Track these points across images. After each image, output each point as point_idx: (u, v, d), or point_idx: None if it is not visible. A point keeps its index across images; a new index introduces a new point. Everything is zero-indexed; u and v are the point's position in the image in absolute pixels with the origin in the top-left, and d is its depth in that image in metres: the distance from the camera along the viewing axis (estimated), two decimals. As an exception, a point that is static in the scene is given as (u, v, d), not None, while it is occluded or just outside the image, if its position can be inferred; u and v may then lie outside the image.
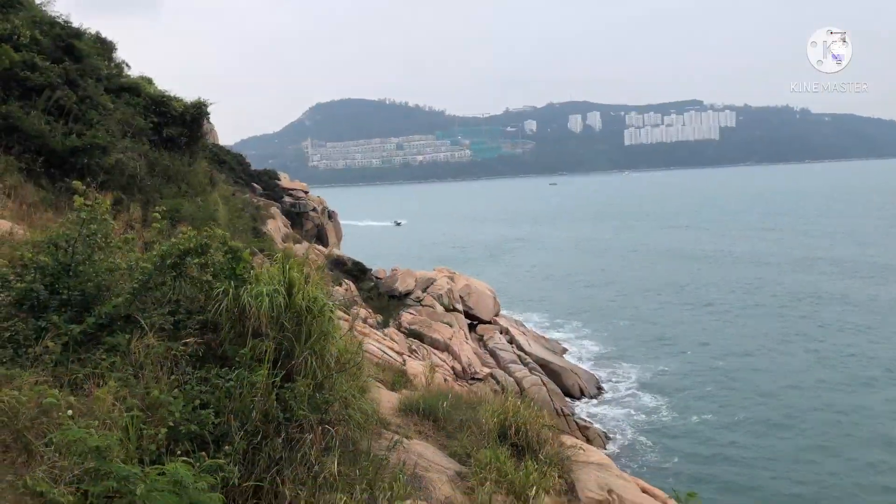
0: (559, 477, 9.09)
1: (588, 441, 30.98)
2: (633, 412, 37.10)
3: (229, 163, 46.26)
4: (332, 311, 7.28)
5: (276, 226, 40.51)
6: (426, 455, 8.36)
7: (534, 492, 7.63)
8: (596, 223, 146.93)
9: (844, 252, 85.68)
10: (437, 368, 26.35)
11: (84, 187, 7.87)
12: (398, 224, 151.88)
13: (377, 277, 44.40)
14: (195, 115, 22.58)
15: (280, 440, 6.22)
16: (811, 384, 39.51)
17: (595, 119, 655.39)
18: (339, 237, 56.55)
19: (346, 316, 20.66)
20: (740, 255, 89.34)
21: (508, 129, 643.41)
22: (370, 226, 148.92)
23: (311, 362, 6.72)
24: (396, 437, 7.72)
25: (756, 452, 31.35)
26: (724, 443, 32.63)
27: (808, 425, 33.86)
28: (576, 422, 33.83)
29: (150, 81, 24.10)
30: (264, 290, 6.75)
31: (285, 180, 55.18)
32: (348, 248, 61.27)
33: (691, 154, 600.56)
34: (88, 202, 7.56)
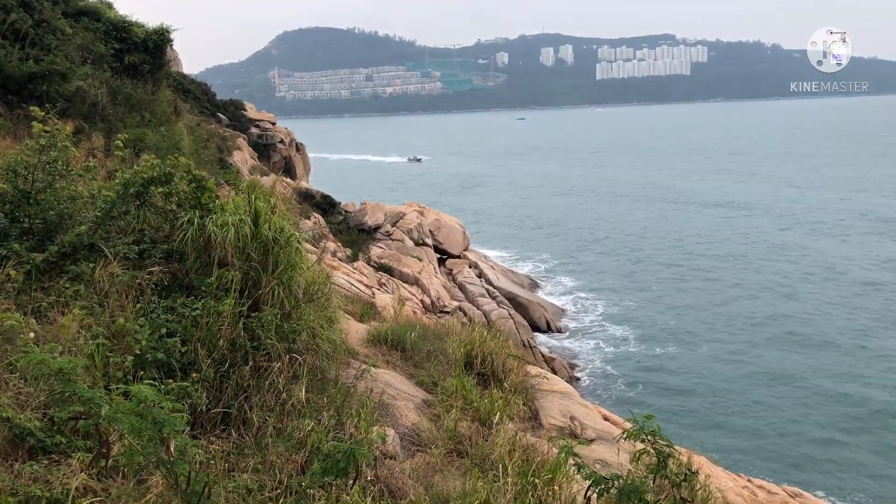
0: (523, 405, 9.33)
1: (553, 371, 31.67)
2: (599, 344, 37.94)
3: (194, 92, 45.13)
4: (299, 242, 7.27)
5: (243, 157, 39.88)
6: (394, 384, 8.50)
7: (498, 418, 7.82)
8: (562, 159, 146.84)
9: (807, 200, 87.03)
10: (406, 301, 26.56)
11: (43, 114, 7.66)
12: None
13: (346, 211, 44.20)
14: (158, 42, 21.85)
15: (248, 368, 6.28)
16: (771, 319, 40.61)
17: (567, 53, 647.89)
18: (307, 170, 55.91)
19: (314, 249, 20.62)
20: (706, 196, 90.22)
21: (480, 61, 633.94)
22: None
23: (279, 292, 6.74)
24: (364, 366, 7.82)
25: (716, 383, 32.40)
26: (686, 374, 33.61)
27: (767, 359, 34.93)
28: (541, 353, 34.52)
29: (109, 6, 23.19)
30: (230, 219, 6.70)
31: (252, 111, 54.09)
32: (319, 182, 60.75)
33: (662, 89, 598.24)
34: (48, 129, 7.38)
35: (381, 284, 31.97)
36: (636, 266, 53.75)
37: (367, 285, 26.82)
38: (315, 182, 56.55)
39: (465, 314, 35.35)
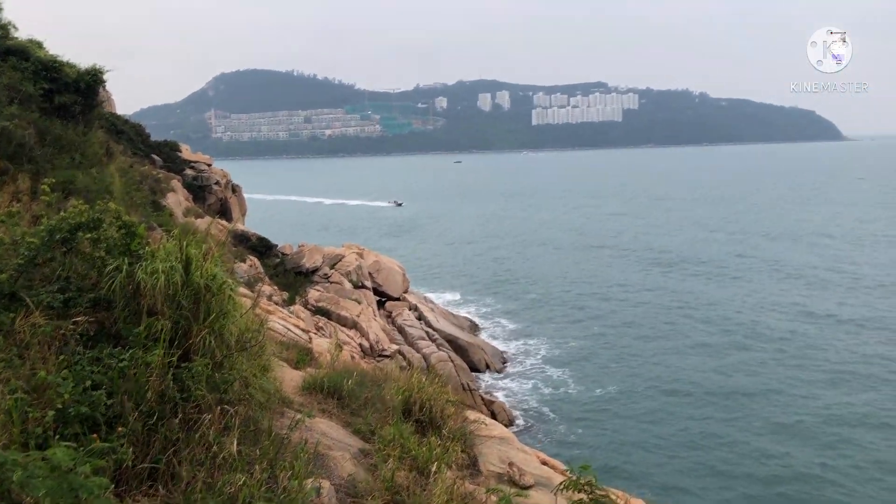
0: (462, 451, 9.25)
1: (493, 415, 31.59)
2: (539, 385, 38.09)
3: (128, 133, 44.24)
4: (232, 289, 7.12)
5: (177, 199, 39.15)
6: (330, 433, 8.34)
7: (436, 466, 7.73)
8: (501, 202, 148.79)
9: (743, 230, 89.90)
10: (343, 346, 26.21)
11: (-37, 156, 7.40)
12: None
13: (283, 253, 43.65)
14: (90, 82, 21.45)
15: (177, 421, 6.07)
16: (709, 359, 41.43)
17: (504, 98, 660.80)
18: (243, 212, 55.16)
19: (250, 293, 20.27)
20: (643, 234, 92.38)
21: (419, 105, 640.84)
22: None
23: (210, 341, 6.57)
24: (299, 415, 7.64)
25: (654, 423, 32.77)
26: (624, 415, 33.93)
27: (705, 396, 35.55)
28: (481, 396, 34.43)
29: (39, 45, 22.70)
30: (160, 266, 6.53)
31: (187, 152, 53.29)
32: (256, 224, 60.03)
33: (596, 135, 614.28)
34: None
35: (318, 328, 31.56)
36: (577, 308, 54.43)
37: (303, 330, 26.39)
38: (252, 224, 55.86)
39: (405, 357, 35.12)
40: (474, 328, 49.22)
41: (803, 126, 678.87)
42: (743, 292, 56.78)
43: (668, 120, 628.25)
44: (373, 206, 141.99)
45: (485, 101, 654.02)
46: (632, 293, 58.30)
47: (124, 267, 6.72)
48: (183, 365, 6.36)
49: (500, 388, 38.04)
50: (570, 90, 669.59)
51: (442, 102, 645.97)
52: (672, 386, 37.19)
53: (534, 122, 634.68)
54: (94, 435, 5.35)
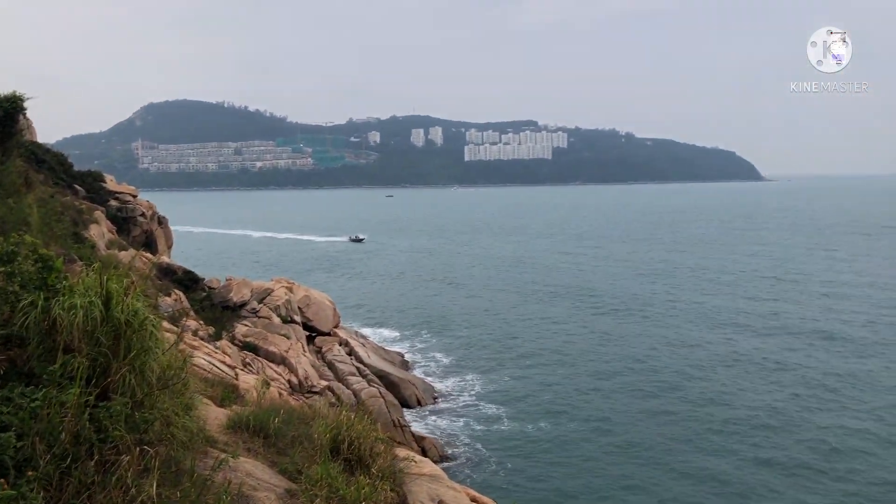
0: (391, 490, 9.11)
1: (423, 452, 31.33)
2: (471, 421, 37.98)
3: (49, 162, 42.80)
4: (154, 325, 6.91)
5: (100, 231, 37.97)
6: (255, 473, 8.10)
7: (364, 506, 7.59)
8: (433, 235, 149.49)
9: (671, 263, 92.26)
10: (271, 382, 25.69)
11: None
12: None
13: (210, 287, 42.66)
14: (9, 110, 20.78)
15: (92, 463, 5.81)
16: (636, 392, 42.14)
17: (437, 134, 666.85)
18: (169, 244, 53.85)
19: (174, 328, 19.71)
20: (573, 271, 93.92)
21: (352, 139, 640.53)
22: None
23: (130, 379, 6.34)
24: (223, 455, 7.42)
25: (587, 459, 33.00)
26: (557, 450, 34.09)
27: (635, 432, 36.02)
28: (412, 433, 34.13)
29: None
30: (78, 301, 6.29)
31: (112, 183, 51.83)
32: (182, 257, 58.64)
33: (527, 172, 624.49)
34: None
35: (245, 364, 30.87)
36: (511, 344, 54.69)
37: (230, 366, 25.77)
38: (178, 257, 54.52)
39: (335, 394, 34.62)
40: (406, 364, 48.94)
41: (724, 166, 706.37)
42: (668, 330, 58.16)
43: (596, 158, 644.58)
44: (319, 242, 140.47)
45: (418, 137, 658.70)
46: (563, 329, 59.04)
47: (40, 302, 6.46)
48: (101, 404, 6.11)
49: (432, 424, 37.80)
50: (501, 127, 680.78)
51: (375, 137, 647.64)
52: (603, 422, 37.62)
53: (466, 157, 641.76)
54: (2, 480, 5.09)
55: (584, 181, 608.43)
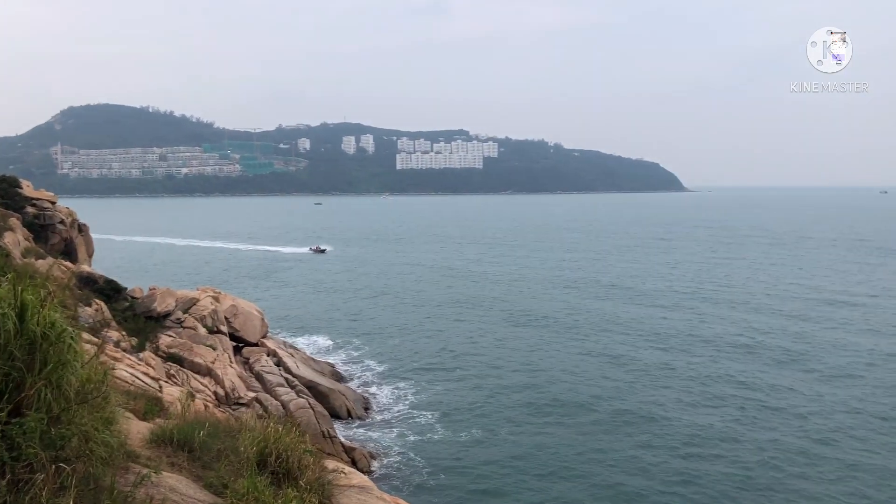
0: (319, 503, 9.01)
1: (353, 462, 31.10)
2: (403, 431, 37.83)
3: (-42, 166, 41.02)
4: (73, 337, 6.67)
5: (16, 239, 36.46)
6: (178, 488, 7.89)
7: (292, 520, 7.48)
8: (363, 244, 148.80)
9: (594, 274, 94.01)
10: (196, 394, 25.15)
11: None
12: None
13: (133, 297, 41.40)
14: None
15: (4, 482, 5.57)
16: (569, 400, 42.71)
17: (368, 142, 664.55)
18: (90, 253, 52.05)
19: (95, 340, 19.07)
20: (502, 279, 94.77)
21: (281, 145, 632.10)
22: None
23: (46, 394, 6.09)
24: (145, 471, 7.21)
25: (518, 467, 33.23)
26: (489, 458, 34.20)
27: (566, 438, 36.46)
28: (342, 443, 33.80)
29: None
30: (-10, 314, 6.02)
31: (29, 189, 49.82)
32: (104, 266, 56.76)
33: (458, 181, 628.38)
34: None
35: (169, 376, 30.06)
36: (443, 353, 54.74)
37: (153, 378, 25.08)
38: (100, 266, 52.74)
39: (262, 405, 34.03)
40: (337, 374, 48.48)
41: (648, 177, 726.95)
42: (593, 340, 59.27)
43: (526, 168, 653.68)
44: (262, 251, 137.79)
45: (349, 144, 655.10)
46: (494, 338, 59.45)
47: (-52, 315, 6.15)
48: (13, 421, 5.86)
49: (362, 434, 37.52)
50: (433, 136, 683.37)
51: (305, 144, 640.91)
52: (534, 429, 37.98)
53: (398, 166, 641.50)
54: None
55: (515, 191, 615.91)
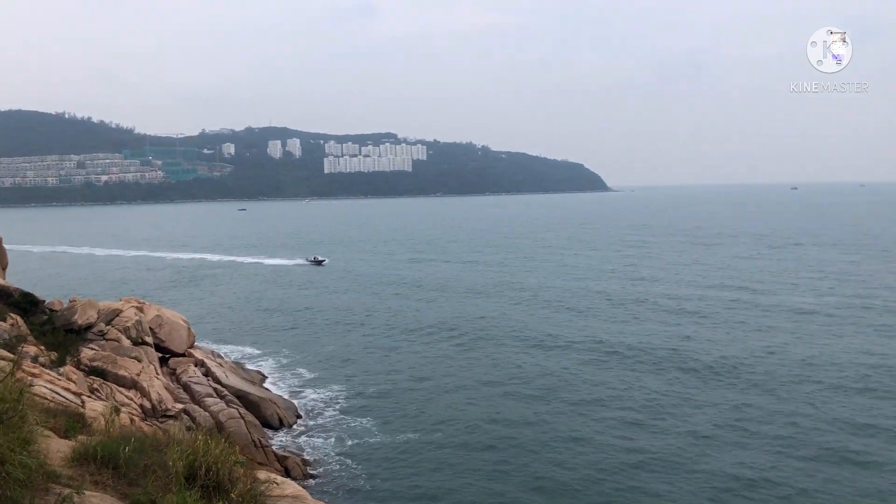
0: (252, 514, 8.86)
1: (286, 472, 30.68)
2: (336, 436, 37.50)
3: None
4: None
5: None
6: (103, 507, 7.64)
7: (224, 534, 7.33)
8: (287, 249, 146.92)
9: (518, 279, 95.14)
10: (121, 408, 24.39)
11: None
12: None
13: (52, 310, 39.85)
14: None
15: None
16: (503, 400, 43.06)
17: (295, 146, 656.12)
18: (4, 265, 49.85)
19: (10, 355, 18.29)
20: (433, 279, 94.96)
21: (205, 151, 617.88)
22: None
23: (-43, 416, 5.82)
24: (67, 491, 6.95)
25: (455, 468, 33.34)
26: (426, 461, 34.18)
27: (502, 439, 36.68)
28: (274, 453, 33.29)
29: None
30: None
31: (-66, 199, 47.55)
32: (19, 278, 54.41)
33: (388, 184, 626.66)
34: None
35: (92, 391, 29.07)
36: (374, 357, 54.51)
37: (75, 393, 24.20)
38: (15, 279, 50.55)
39: (191, 417, 33.23)
40: (266, 381, 47.71)
41: (573, 178, 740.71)
42: (525, 340, 59.99)
43: (455, 171, 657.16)
44: (188, 259, 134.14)
45: (275, 149, 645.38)
46: (425, 340, 59.52)
47: None
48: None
49: (295, 442, 37.03)
50: (361, 140, 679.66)
51: (230, 149, 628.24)
52: (469, 430, 38.14)
53: (326, 170, 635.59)
54: None
55: (444, 193, 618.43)
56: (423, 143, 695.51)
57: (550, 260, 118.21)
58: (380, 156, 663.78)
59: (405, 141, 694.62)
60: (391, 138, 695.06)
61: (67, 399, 21.68)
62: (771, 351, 51.88)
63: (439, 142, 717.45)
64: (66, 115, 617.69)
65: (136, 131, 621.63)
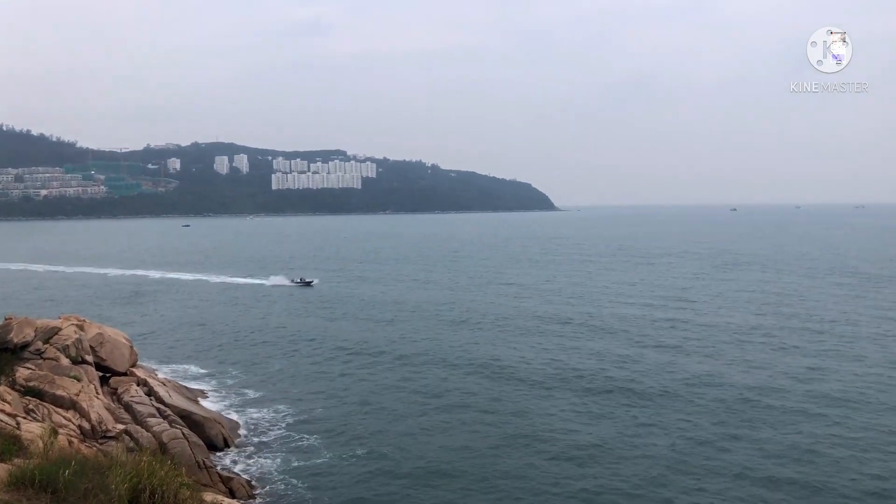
0: (198, 537, 8.66)
1: (232, 493, 30.13)
2: (283, 455, 36.92)
3: None
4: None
5: None
6: (42, 533, 7.39)
7: (169, 558, 7.16)
8: (230, 266, 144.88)
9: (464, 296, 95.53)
10: (59, 430, 23.69)
11: None
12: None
13: (-14, 328, 38.48)
14: None
15: None
16: (453, 416, 42.93)
17: (242, 162, 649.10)
18: (-65, 281, 48.09)
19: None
20: (380, 295, 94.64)
21: (150, 166, 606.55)
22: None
23: None
24: (4, 516, 6.71)
25: (405, 481, 33.14)
26: (374, 477, 33.86)
27: (451, 456, 36.49)
28: (219, 474, 32.64)
29: None
30: None
31: None
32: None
33: (336, 201, 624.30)
34: None
35: (28, 412, 28.13)
36: (323, 374, 53.80)
37: (9, 414, 23.40)
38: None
39: (133, 438, 32.36)
40: (212, 401, 46.78)
41: (522, 197, 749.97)
42: (476, 352, 60.18)
43: (405, 189, 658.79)
44: (129, 275, 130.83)
45: (222, 164, 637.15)
46: (372, 358, 59.12)
47: None
48: None
49: (241, 462, 36.31)
50: (310, 156, 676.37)
51: (175, 164, 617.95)
52: (418, 446, 37.93)
53: (274, 186, 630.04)
54: None
55: (393, 210, 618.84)
56: (372, 160, 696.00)
57: (496, 280, 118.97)
58: (329, 172, 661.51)
59: (355, 158, 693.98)
60: (340, 155, 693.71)
61: (2, 421, 20.97)
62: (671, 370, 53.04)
63: (389, 159, 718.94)
64: (4, 128, 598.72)
65: (79, 145, 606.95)
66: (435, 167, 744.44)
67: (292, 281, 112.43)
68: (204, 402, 45.54)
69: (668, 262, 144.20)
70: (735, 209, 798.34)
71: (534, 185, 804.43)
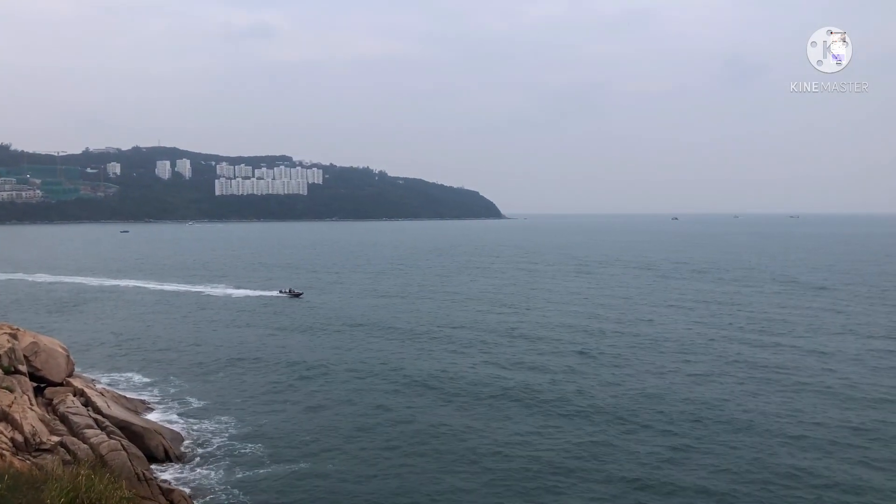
0: (139, 553, 8.41)
1: (173, 506, 29.36)
2: (227, 466, 36.18)
3: None
4: None
5: None
6: (-28, 551, 7.06)
7: (109, 575, 6.90)
8: (169, 274, 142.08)
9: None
10: (-9, 442, 22.82)
11: None
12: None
13: (-88, 337, 36.86)
14: None
15: None
16: (401, 426, 42.70)
17: (185, 167, 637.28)
18: None
19: None
20: (326, 304, 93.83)
21: (89, 170, 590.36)
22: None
23: None
24: (-69, 535, 6.37)
25: (350, 492, 32.77)
26: (315, 489, 33.41)
27: (397, 465, 36.32)
28: (159, 486, 31.79)
29: None
30: None
31: None
32: None
33: (282, 207, 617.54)
34: None
35: (-43, 424, 26.98)
36: (267, 385, 52.82)
37: (-62, 427, 22.40)
38: None
39: (69, 451, 31.32)
40: (151, 410, 45.64)
41: (469, 205, 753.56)
42: (423, 359, 60.06)
43: (352, 195, 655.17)
44: (67, 283, 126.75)
45: (164, 169, 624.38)
46: (320, 368, 58.47)
47: None
48: None
49: (182, 474, 35.43)
50: (254, 162, 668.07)
51: (115, 168, 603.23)
52: (365, 455, 37.60)
53: (217, 192, 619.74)
54: None
55: (340, 217, 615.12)
56: (319, 166, 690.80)
57: (443, 289, 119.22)
58: (274, 178, 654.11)
59: (301, 164, 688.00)
60: (286, 161, 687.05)
61: (-71, 434, 20.06)
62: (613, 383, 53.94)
63: (336, 166, 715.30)
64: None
65: (13, 148, 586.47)
66: (382, 174, 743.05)
67: (280, 292, 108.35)
68: (145, 413, 44.40)
69: (609, 273, 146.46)
70: (676, 218, 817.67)
71: (481, 194, 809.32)
